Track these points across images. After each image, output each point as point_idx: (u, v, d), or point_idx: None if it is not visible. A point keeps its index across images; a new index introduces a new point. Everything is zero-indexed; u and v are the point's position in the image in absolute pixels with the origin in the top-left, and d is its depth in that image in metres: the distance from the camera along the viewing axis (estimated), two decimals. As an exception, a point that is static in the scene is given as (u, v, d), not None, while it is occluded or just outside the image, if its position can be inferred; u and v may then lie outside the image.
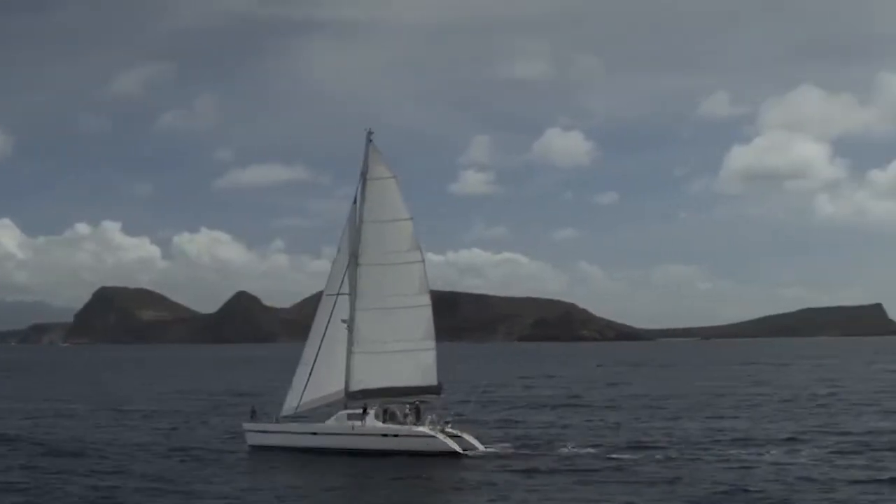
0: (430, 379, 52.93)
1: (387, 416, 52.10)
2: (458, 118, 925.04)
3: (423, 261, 53.89)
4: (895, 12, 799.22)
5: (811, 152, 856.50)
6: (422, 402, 52.54)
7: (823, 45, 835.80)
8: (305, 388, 54.07)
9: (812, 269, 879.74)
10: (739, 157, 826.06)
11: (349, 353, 53.87)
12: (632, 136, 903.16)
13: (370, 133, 55.09)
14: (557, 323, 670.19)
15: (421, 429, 50.79)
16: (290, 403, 54.64)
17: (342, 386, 54.05)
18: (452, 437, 50.53)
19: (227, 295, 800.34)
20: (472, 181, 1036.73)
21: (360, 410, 51.83)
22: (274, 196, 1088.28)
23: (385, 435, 50.95)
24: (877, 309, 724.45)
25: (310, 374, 54.03)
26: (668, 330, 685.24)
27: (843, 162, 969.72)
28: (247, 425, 55.10)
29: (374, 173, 54.82)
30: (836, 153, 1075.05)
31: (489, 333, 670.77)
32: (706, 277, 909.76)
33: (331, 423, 52.59)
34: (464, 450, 49.93)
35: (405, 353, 53.20)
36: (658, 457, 48.85)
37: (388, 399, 52.78)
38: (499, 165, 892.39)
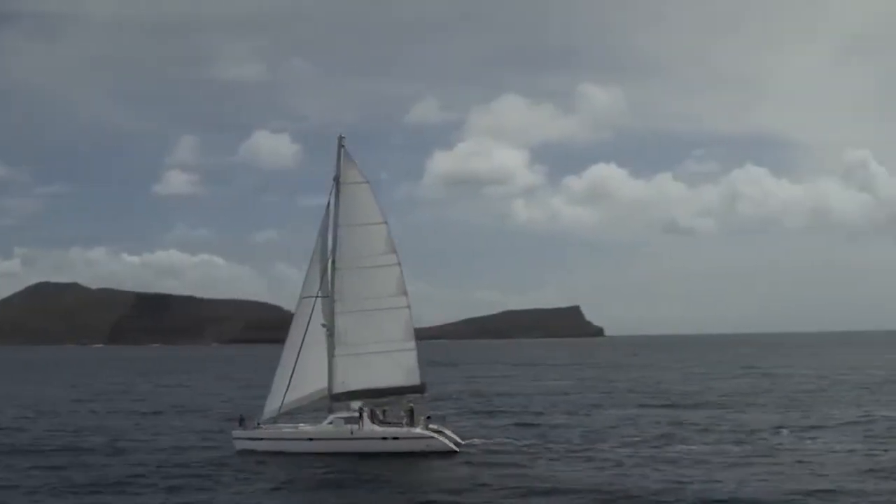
0: (413, 378, 54.42)
1: (375, 418, 53.38)
2: (164, 118, 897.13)
3: (400, 263, 55.22)
4: (595, 25, 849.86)
5: (512, 159, 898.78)
6: (397, 401, 54.38)
7: (528, 55, 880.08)
8: (286, 391, 54.31)
9: (511, 273, 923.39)
10: (443, 163, 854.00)
11: (331, 355, 54.65)
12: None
13: (342, 139, 56.08)
14: (269, 325, 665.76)
15: (420, 430, 52.33)
16: (272, 407, 54.71)
17: (320, 387, 54.86)
18: (437, 433, 52.64)
19: None
20: (177, 182, 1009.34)
21: (357, 414, 52.74)
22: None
23: (385, 438, 52.15)
24: (575, 311, 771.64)
25: (290, 378, 54.32)
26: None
27: (541, 168, 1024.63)
28: (236, 432, 54.58)
29: (346, 178, 55.73)
30: (535, 160, 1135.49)
31: (199, 336, 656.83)
32: (408, 281, 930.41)
33: (327, 428, 53.07)
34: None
35: (386, 354, 54.39)
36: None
37: (375, 400, 53.95)
38: (205, 166, 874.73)
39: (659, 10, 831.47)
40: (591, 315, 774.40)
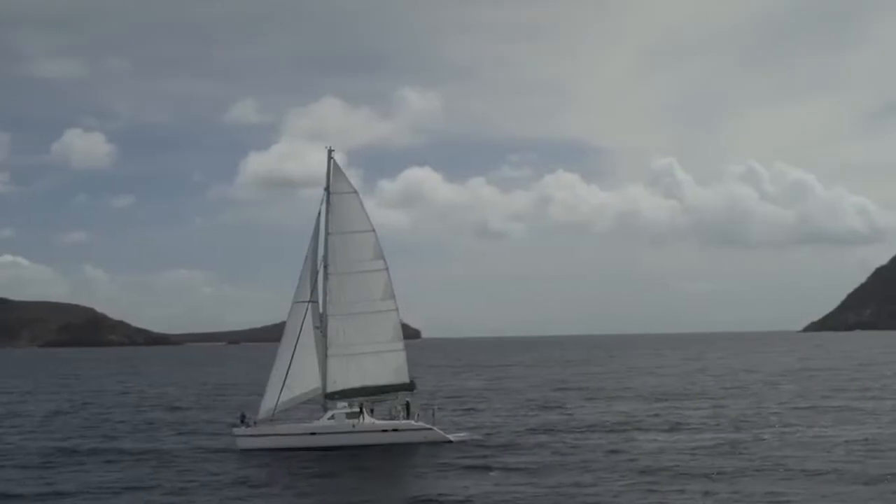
0: (402, 377, 58.30)
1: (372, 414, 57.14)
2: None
3: (388, 269, 58.91)
4: (409, 30, 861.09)
5: (326, 161, 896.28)
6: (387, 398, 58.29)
7: (347, 59, 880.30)
8: (281, 390, 57.08)
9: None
10: (258, 164, 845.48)
11: (324, 356, 57.79)
12: (156, 139, 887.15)
13: (331, 151, 59.47)
14: (85, 328, 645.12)
15: (418, 423, 56.32)
16: (267, 405, 57.34)
17: (312, 387, 57.91)
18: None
19: None
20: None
21: (357, 409, 56.20)
22: None
23: (385, 430, 55.81)
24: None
25: (285, 378, 57.16)
26: (194, 334, 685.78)
27: (356, 172, 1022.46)
28: (238, 430, 56.82)
29: (336, 188, 59.05)
30: (351, 163, 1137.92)
31: (15, 339, 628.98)
32: (221, 282, 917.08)
33: (329, 423, 56.14)
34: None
35: (376, 355, 58.04)
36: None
37: (367, 398, 57.42)
38: (15, 165, 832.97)
39: (469, 16, 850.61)
40: (408, 317, 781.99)
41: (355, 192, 59.50)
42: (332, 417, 56.36)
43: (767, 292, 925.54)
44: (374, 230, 59.11)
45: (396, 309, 59.07)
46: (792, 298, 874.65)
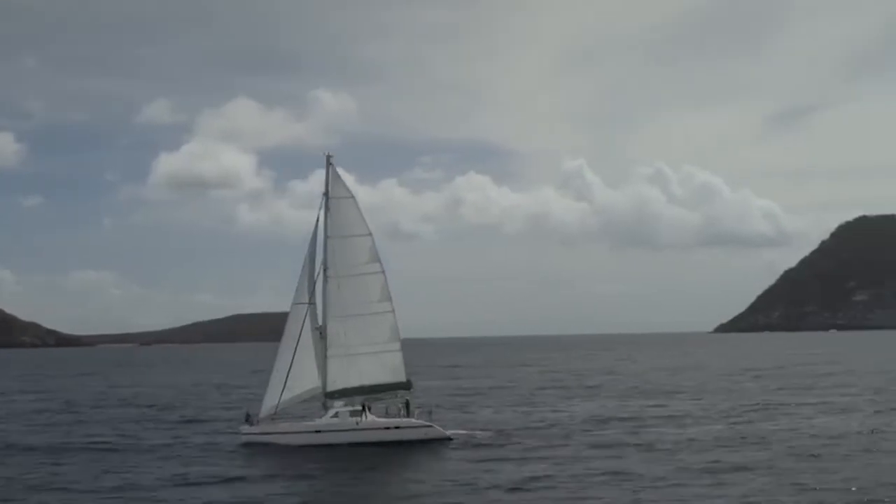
0: (399, 376, 60.10)
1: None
2: None
3: (384, 272, 60.78)
4: (323, 31, 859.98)
5: (239, 162, 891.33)
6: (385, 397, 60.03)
7: (261, 60, 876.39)
8: (283, 390, 58.54)
9: (238, 277, 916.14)
10: (169, 165, 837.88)
11: (324, 356, 59.41)
12: (67, 139, 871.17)
13: (329, 157, 61.07)
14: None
15: (419, 420, 58.25)
16: (269, 404, 58.77)
17: (312, 386, 59.50)
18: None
19: None
20: None
21: (360, 407, 57.88)
22: None
23: (388, 428, 57.62)
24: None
25: (286, 378, 58.62)
26: (106, 336, 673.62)
27: (269, 173, 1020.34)
28: (244, 428, 58.32)
29: (335, 193, 60.66)
30: (263, 164, 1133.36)
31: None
32: (130, 283, 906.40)
33: (333, 420, 57.75)
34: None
35: (373, 355, 59.82)
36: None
37: (365, 397, 59.05)
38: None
39: (384, 17, 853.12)
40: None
41: (352, 196, 61.13)
42: (336, 415, 57.97)
43: (676, 294, 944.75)
44: (370, 234, 60.87)
45: (393, 311, 60.83)
46: (701, 300, 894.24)
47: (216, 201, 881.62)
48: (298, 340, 59.03)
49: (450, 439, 57.67)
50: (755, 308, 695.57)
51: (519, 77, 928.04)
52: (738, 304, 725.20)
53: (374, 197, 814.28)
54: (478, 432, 60.88)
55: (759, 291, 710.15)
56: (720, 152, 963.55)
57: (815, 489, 40.31)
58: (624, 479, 43.48)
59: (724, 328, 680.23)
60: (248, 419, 58.61)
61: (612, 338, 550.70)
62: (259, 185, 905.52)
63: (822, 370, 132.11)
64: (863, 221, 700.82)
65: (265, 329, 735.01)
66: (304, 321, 59.25)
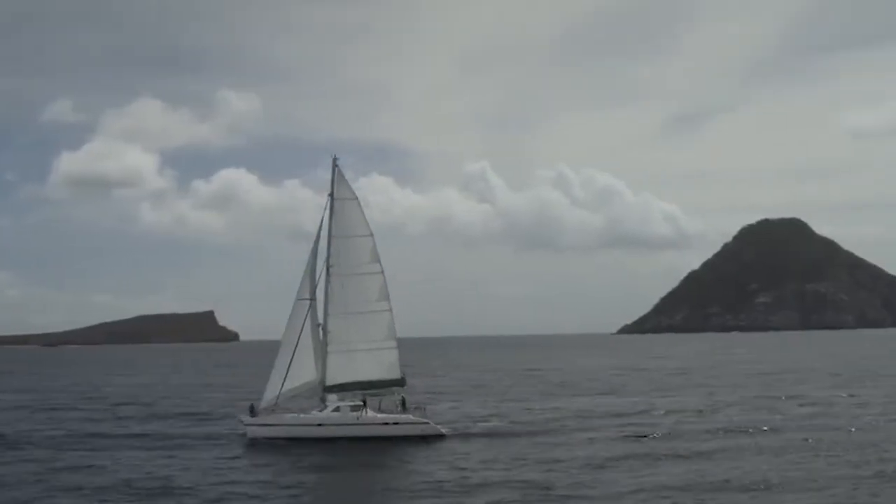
0: (394, 373, 62.27)
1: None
2: None
3: (383, 272, 62.94)
4: (228, 31, 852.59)
5: (142, 162, 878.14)
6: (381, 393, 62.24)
7: (167, 59, 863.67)
8: (283, 382, 60.67)
9: (143, 277, 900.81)
10: (71, 164, 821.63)
11: (324, 352, 61.68)
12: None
13: (336, 159, 63.33)
14: None
15: (416, 417, 60.34)
16: (270, 396, 61.16)
17: (310, 379, 61.73)
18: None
19: None
20: None
21: (361, 403, 60.06)
22: None
23: (386, 423, 59.77)
24: (209, 316, 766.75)
25: (287, 371, 60.70)
26: (4, 337, 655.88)
27: (171, 173, 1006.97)
28: (247, 420, 60.52)
29: (339, 194, 62.81)
30: (166, 164, 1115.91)
31: None
32: (28, 283, 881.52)
33: (334, 415, 59.78)
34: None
35: (370, 352, 62.03)
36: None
37: (362, 392, 61.15)
38: None
39: (290, 16, 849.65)
40: (225, 320, 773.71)
41: (356, 198, 63.34)
42: (337, 409, 60.07)
43: (580, 296, 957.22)
44: (372, 235, 63.09)
45: (390, 309, 62.99)
46: (605, 302, 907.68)
47: (118, 201, 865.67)
48: (300, 335, 61.08)
49: (444, 435, 59.81)
50: (659, 310, 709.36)
51: (423, 78, 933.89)
52: (641, 305, 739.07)
53: (278, 197, 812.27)
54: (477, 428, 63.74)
55: (663, 293, 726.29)
56: (622, 155, 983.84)
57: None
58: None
59: (627, 329, 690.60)
60: (252, 411, 60.58)
61: (512, 340, 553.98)
62: (162, 184, 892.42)
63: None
64: (765, 225, 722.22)
65: (172, 329, 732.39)
66: (305, 317, 61.29)
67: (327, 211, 62.54)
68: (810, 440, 55.80)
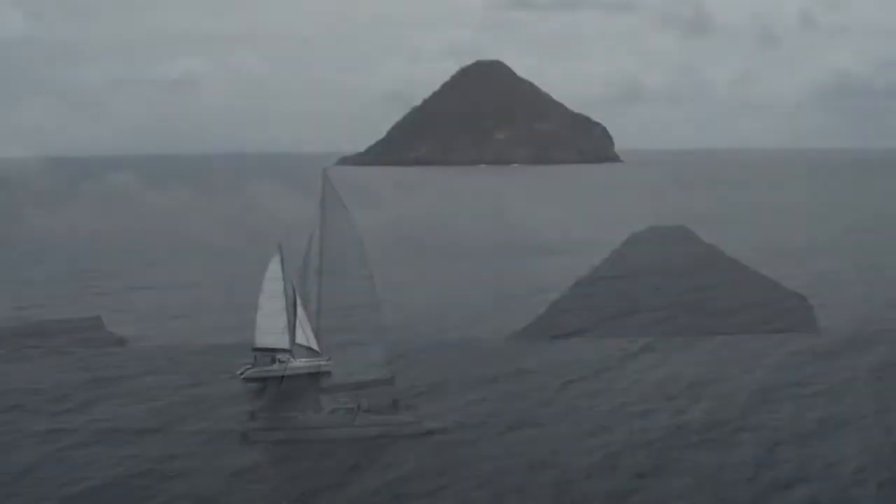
0: (384, 373, 67.12)
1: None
2: None
3: (371, 275, 68.23)
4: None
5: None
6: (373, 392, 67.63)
7: None
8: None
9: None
10: None
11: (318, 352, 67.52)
12: None
13: (325, 170, 67.13)
14: None
15: (407, 417, 64.89)
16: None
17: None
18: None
19: None
20: None
21: (356, 406, 64.67)
22: None
23: (379, 424, 64.37)
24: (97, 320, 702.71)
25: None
26: None
27: None
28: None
29: (329, 200, 67.82)
30: None
31: None
32: None
33: (332, 417, 64.23)
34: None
35: (358, 348, 68.13)
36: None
37: (353, 392, 65.67)
38: None
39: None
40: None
41: (344, 206, 67.95)
42: (334, 411, 64.73)
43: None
44: (360, 241, 68.02)
45: (378, 310, 68.78)
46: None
47: None
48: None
49: (431, 433, 64.67)
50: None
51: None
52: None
53: None
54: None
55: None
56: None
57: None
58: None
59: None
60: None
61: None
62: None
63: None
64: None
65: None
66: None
67: (320, 216, 67.64)
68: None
